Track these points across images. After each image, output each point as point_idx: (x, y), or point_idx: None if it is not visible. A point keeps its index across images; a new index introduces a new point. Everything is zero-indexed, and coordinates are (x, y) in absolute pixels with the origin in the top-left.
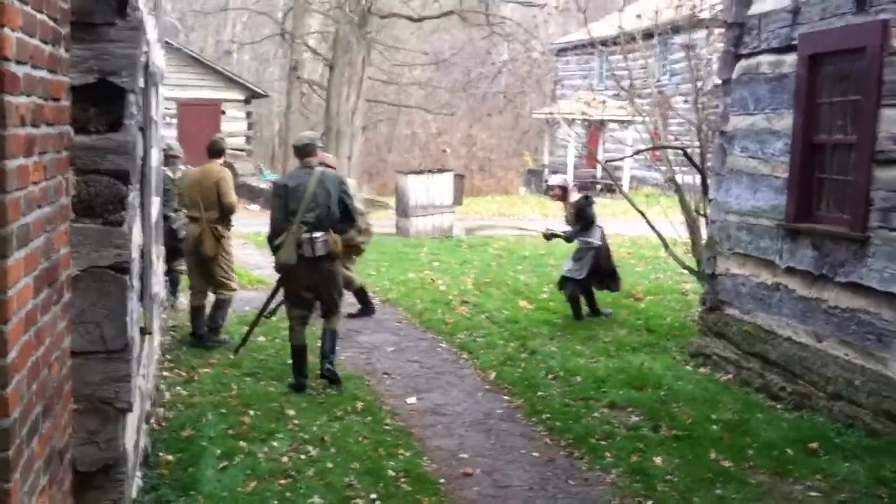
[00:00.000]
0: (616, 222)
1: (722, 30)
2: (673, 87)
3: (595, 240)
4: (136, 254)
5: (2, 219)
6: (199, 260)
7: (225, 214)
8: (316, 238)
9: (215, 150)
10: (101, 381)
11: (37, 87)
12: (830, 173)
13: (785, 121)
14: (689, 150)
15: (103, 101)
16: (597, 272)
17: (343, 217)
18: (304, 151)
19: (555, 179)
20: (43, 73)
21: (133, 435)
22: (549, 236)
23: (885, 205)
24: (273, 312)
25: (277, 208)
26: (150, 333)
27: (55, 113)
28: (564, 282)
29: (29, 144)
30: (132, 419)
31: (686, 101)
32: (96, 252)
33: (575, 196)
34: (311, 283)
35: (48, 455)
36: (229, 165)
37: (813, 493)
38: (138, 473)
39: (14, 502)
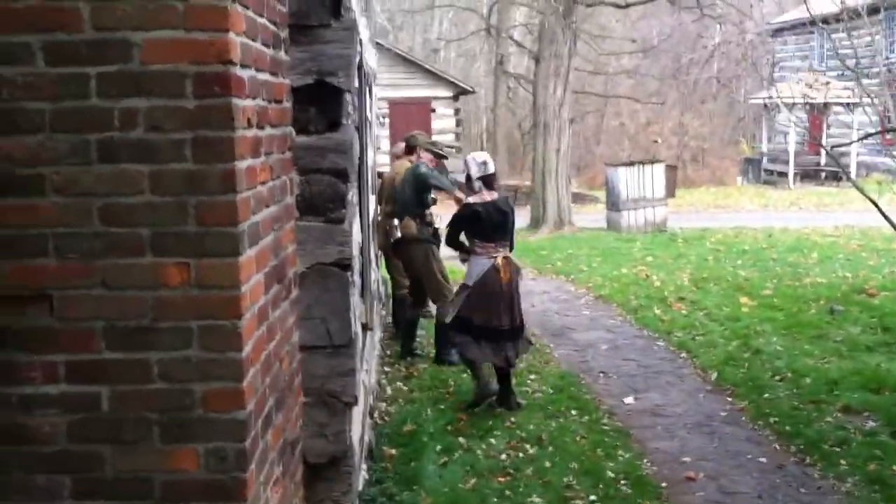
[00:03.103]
0: (844, 212)
1: None
2: None
3: None
4: (356, 251)
5: (233, 218)
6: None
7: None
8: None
9: (407, 147)
10: (328, 375)
11: (260, 90)
12: None
13: None
14: None
15: (321, 102)
16: None
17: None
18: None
19: None
20: (266, 76)
21: (358, 428)
22: None
23: None
24: None
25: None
26: (371, 329)
27: (278, 114)
28: None
29: (256, 146)
30: (357, 413)
31: None
32: (320, 249)
33: None
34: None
35: (281, 446)
36: (439, 162)
37: None
38: (363, 466)
39: (251, 492)
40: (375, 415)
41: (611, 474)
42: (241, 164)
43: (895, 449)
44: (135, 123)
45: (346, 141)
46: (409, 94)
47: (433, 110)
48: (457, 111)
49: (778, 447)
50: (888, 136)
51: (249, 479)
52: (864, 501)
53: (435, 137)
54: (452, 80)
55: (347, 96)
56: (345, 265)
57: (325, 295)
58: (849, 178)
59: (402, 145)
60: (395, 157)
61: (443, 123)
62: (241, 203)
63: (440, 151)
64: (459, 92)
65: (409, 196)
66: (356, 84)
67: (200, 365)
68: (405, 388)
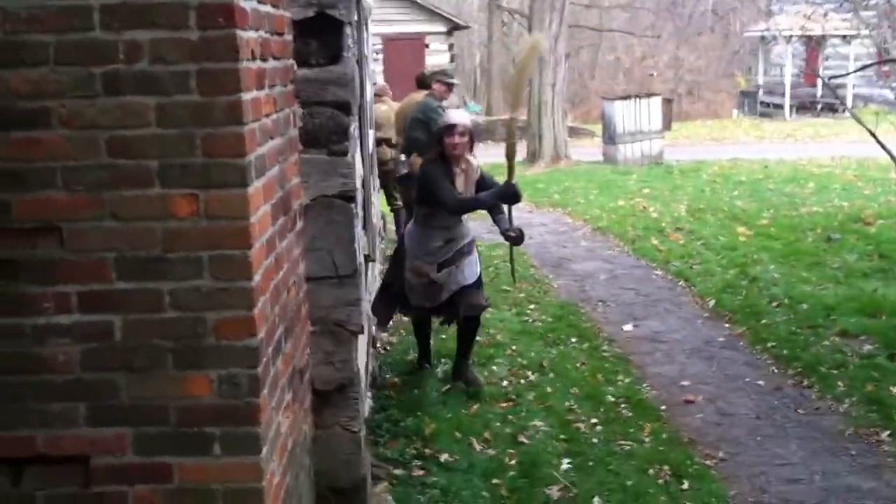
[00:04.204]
0: (839, 143)
1: None
2: None
3: None
4: (358, 183)
5: (241, 149)
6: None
7: None
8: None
9: (421, 83)
10: (334, 305)
11: (263, 22)
12: None
13: None
14: None
15: (322, 35)
16: None
17: None
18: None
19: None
20: (267, 9)
21: (363, 357)
22: None
23: None
24: None
25: None
26: (373, 261)
27: (280, 47)
28: None
29: (260, 78)
30: (362, 342)
31: None
32: (324, 181)
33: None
34: None
35: (290, 374)
36: (450, 91)
37: None
38: (368, 394)
39: (264, 416)
40: (378, 344)
41: (611, 398)
42: (247, 96)
43: (892, 371)
44: (139, 56)
45: (348, 73)
46: (402, 29)
47: (427, 46)
48: (451, 47)
49: (776, 370)
50: (885, 68)
51: (262, 404)
52: (862, 421)
53: (420, 73)
54: (446, 15)
55: (348, 29)
56: (349, 197)
57: (329, 227)
58: (847, 109)
59: (381, 84)
60: (376, 97)
61: (437, 59)
62: (247, 134)
63: (451, 80)
64: (453, 27)
65: (419, 133)
66: (355, 17)
67: (211, 294)
68: (406, 318)
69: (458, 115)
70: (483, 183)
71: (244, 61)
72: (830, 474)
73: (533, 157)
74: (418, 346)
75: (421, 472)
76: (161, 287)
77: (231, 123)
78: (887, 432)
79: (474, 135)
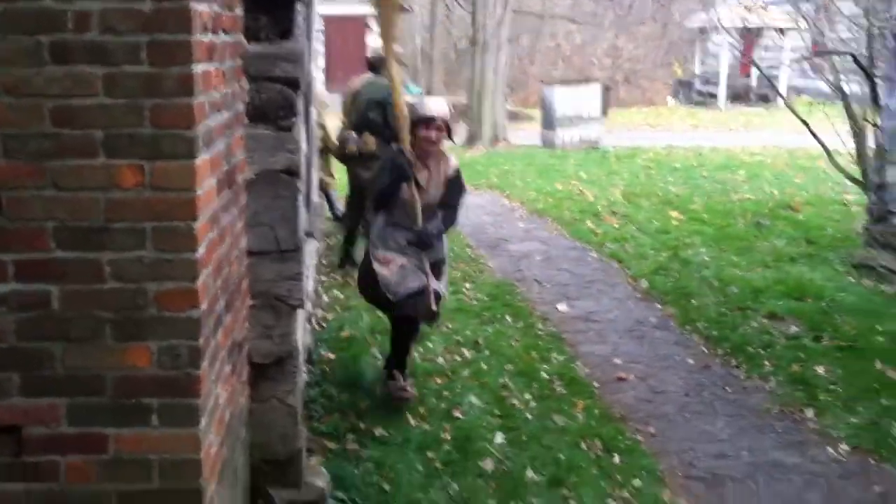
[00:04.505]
0: (772, 133)
1: None
2: None
3: None
4: (302, 159)
5: (189, 121)
6: None
7: None
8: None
9: (371, 65)
10: (275, 280)
11: None
12: None
13: None
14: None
15: (272, 10)
16: None
17: None
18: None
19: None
20: None
21: (301, 332)
22: None
23: None
24: None
25: None
26: (314, 237)
27: (231, 21)
28: None
29: (210, 51)
30: (300, 317)
31: (856, 5)
32: (270, 157)
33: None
34: None
35: (230, 346)
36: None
37: None
38: (303, 369)
39: (203, 388)
40: (313, 321)
41: (545, 375)
42: (198, 68)
43: (816, 351)
44: (88, 25)
45: (298, 49)
46: (344, 10)
47: (368, 27)
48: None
49: (705, 350)
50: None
51: (202, 376)
52: (787, 399)
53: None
54: None
55: (298, 5)
56: (293, 172)
57: (273, 202)
58: (783, 99)
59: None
60: None
61: (378, 41)
62: (197, 107)
63: (404, 61)
64: None
65: (376, 114)
66: None
67: (154, 265)
68: (342, 296)
69: (437, 104)
70: (451, 189)
71: (197, 34)
72: (757, 450)
73: (472, 139)
74: (392, 350)
75: (355, 446)
76: (102, 257)
77: (181, 95)
78: (811, 410)
79: (451, 127)
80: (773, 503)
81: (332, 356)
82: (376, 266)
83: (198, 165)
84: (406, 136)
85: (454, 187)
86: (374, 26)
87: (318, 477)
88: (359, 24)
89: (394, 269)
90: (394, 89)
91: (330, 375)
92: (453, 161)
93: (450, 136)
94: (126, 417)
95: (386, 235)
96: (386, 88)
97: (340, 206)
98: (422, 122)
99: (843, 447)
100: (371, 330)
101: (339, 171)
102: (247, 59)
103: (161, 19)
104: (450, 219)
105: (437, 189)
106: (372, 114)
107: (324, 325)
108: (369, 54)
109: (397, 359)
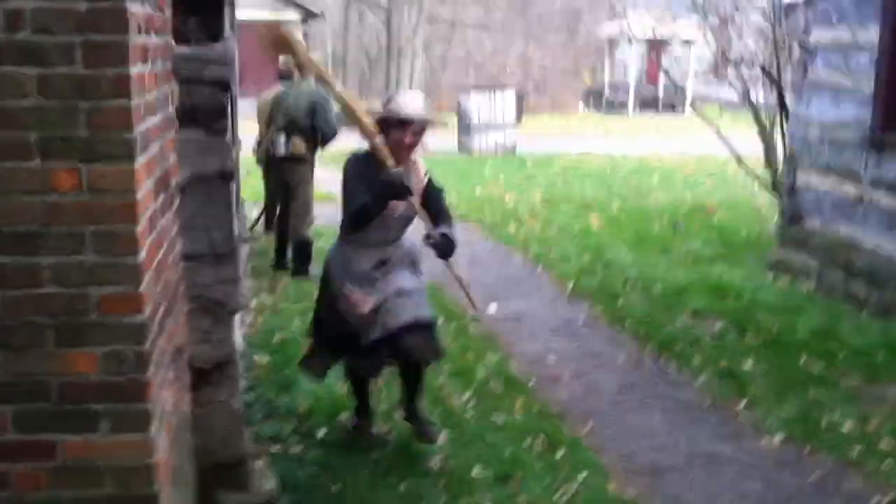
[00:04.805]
0: (679, 139)
1: None
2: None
3: None
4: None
5: (127, 123)
6: None
7: None
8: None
9: (283, 73)
10: (212, 284)
11: None
12: None
13: (870, 33)
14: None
15: (201, 12)
16: None
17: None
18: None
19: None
20: None
21: (239, 335)
22: None
23: None
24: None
25: None
26: (245, 241)
27: (161, 23)
28: None
29: (145, 52)
30: (237, 320)
31: (763, 16)
32: (202, 160)
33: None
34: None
35: (173, 352)
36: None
37: None
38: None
39: (151, 394)
40: (245, 326)
41: (481, 375)
42: (134, 70)
43: (743, 347)
44: (20, 25)
45: (228, 52)
46: (256, 16)
47: None
48: (305, 35)
49: (635, 348)
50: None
51: (150, 381)
52: (718, 392)
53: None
54: (300, 3)
55: (227, 8)
56: (226, 176)
57: (207, 205)
58: (694, 108)
59: None
60: None
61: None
62: (134, 109)
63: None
64: (308, 15)
65: (304, 116)
66: None
67: (95, 270)
68: (270, 300)
69: (414, 101)
70: (430, 194)
71: (133, 34)
72: (693, 442)
73: None
74: (355, 396)
75: (298, 449)
76: (40, 262)
77: (118, 97)
78: (743, 403)
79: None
80: (712, 493)
81: (265, 360)
82: (347, 304)
83: (137, 169)
84: (387, 156)
85: (433, 193)
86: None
87: (266, 480)
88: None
89: (367, 307)
90: (348, 105)
91: (265, 380)
92: (422, 166)
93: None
94: (74, 424)
95: (349, 260)
96: (315, 93)
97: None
98: (397, 123)
99: (776, 438)
100: (303, 333)
101: (255, 177)
102: (176, 61)
103: (96, 20)
104: (447, 217)
105: (413, 200)
106: (301, 117)
107: (254, 329)
108: (283, 61)
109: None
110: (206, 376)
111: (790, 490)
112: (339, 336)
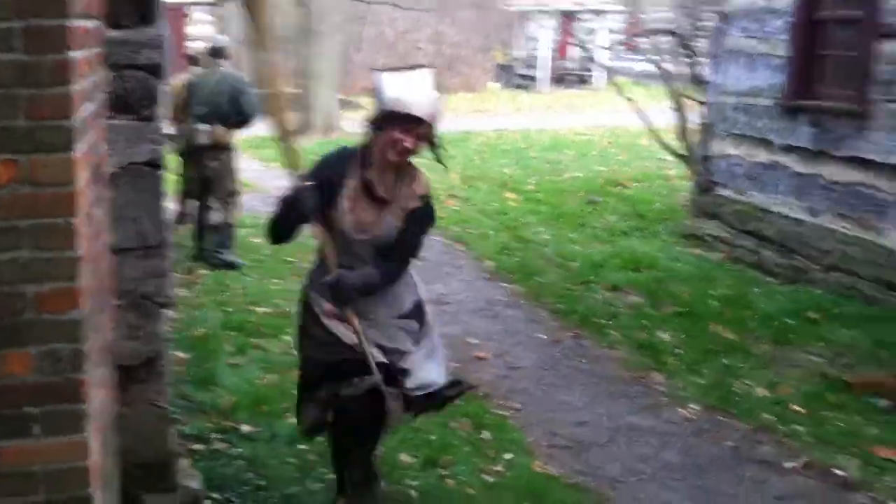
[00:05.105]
0: (593, 113)
1: None
2: None
3: None
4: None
5: (68, 111)
6: None
7: None
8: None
9: (217, 53)
10: (141, 277)
11: None
12: (831, 50)
13: None
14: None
15: None
16: None
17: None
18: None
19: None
20: None
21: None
22: None
23: (887, 77)
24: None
25: None
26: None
27: (94, 5)
28: None
29: (83, 37)
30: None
31: None
32: (132, 148)
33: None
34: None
35: (103, 348)
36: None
37: (816, 359)
38: None
39: (87, 393)
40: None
41: None
42: (74, 55)
43: (659, 319)
44: None
45: (161, 35)
46: None
47: (186, 16)
48: (215, 18)
49: (555, 324)
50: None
51: (86, 380)
52: (636, 365)
53: (190, 44)
54: None
55: None
56: (157, 164)
57: (137, 196)
58: (610, 79)
59: None
60: None
61: (200, 30)
62: (75, 95)
63: (228, 52)
64: None
65: (227, 102)
66: None
67: (32, 266)
68: (189, 293)
69: (423, 95)
70: (405, 225)
71: (73, 17)
72: (614, 415)
73: (304, 128)
74: (335, 465)
75: (223, 446)
76: None
77: (58, 84)
78: (660, 374)
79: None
80: (634, 464)
81: (185, 356)
82: (327, 322)
83: (76, 158)
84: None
85: (409, 222)
86: (198, 16)
87: (192, 479)
88: (177, 12)
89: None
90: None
91: (186, 375)
92: (423, 182)
93: (431, 145)
94: (6, 429)
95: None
96: (235, 77)
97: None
98: (398, 120)
99: (693, 406)
100: (224, 326)
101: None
102: (108, 45)
103: (36, 3)
104: (398, 260)
105: (393, 218)
106: (224, 104)
107: (172, 324)
108: (212, 45)
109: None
110: (133, 373)
111: (708, 457)
112: (330, 372)
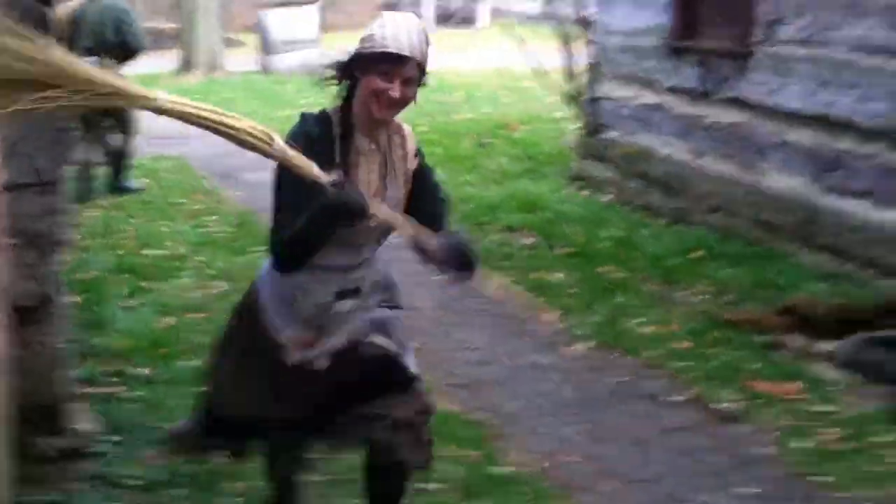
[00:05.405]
0: (479, 55)
1: None
2: None
3: None
4: None
5: None
6: None
7: None
8: None
9: None
10: (36, 215)
11: None
12: None
13: None
14: None
15: None
16: None
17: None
18: None
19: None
20: None
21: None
22: None
23: (769, 19)
24: None
25: None
26: None
27: None
28: None
29: None
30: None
31: None
32: None
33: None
34: None
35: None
36: None
37: (701, 297)
38: None
39: None
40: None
41: None
42: None
43: (553, 259)
44: None
45: None
46: None
47: None
48: None
49: None
50: None
51: None
52: (533, 303)
53: None
54: None
55: None
56: None
57: (31, 130)
58: (498, 22)
59: None
60: None
61: None
62: None
63: None
64: None
65: (112, 33)
66: None
67: None
68: (76, 235)
69: (409, 29)
70: (421, 185)
71: None
72: (514, 354)
73: (187, 66)
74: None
75: (119, 389)
76: None
77: None
78: (556, 313)
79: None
80: (531, 401)
81: (75, 299)
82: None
83: None
84: (310, 168)
85: (424, 183)
86: None
87: (87, 422)
88: None
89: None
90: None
91: (76, 318)
92: (411, 142)
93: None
94: None
95: (298, 298)
96: (116, 6)
97: None
98: (380, 61)
99: (589, 344)
100: (115, 269)
101: None
102: None
103: None
104: (445, 222)
105: (397, 188)
106: (109, 35)
107: (60, 266)
108: None
109: None
110: (28, 314)
111: (602, 393)
112: (258, 400)
